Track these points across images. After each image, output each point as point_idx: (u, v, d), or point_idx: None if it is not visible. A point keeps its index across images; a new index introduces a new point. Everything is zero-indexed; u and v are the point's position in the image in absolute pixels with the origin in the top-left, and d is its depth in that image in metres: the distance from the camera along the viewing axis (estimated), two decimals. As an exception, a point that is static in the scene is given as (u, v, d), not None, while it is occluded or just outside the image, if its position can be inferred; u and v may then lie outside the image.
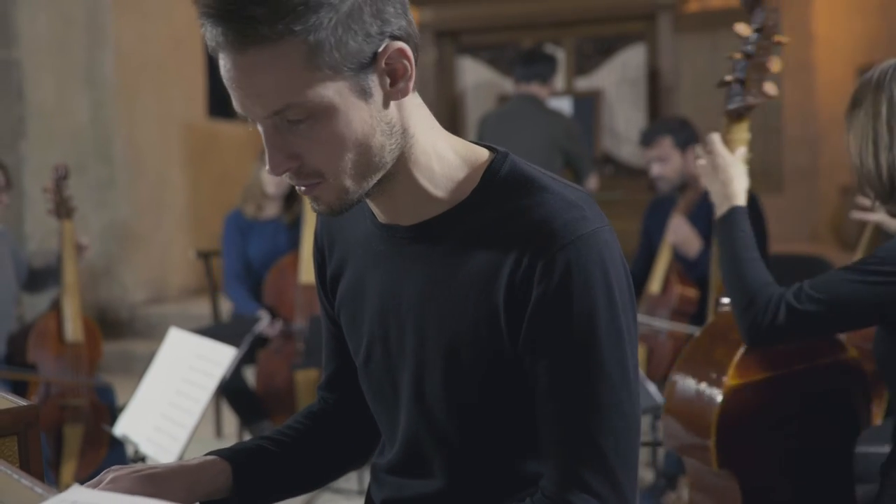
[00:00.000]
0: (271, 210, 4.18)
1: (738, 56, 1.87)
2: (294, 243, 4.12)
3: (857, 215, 2.28)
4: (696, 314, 3.51)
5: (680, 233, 3.49)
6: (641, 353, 3.60)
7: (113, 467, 1.17)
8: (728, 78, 1.88)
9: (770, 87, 1.85)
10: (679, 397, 1.87)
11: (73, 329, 3.31)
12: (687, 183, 3.63)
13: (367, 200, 1.18)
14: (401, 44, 1.05)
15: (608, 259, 1.10)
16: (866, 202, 2.11)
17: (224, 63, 1.03)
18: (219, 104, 7.28)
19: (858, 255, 2.10)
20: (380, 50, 1.04)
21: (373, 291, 1.23)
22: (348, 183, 1.08)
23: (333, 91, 1.02)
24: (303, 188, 1.10)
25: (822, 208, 7.42)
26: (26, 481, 0.83)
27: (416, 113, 1.13)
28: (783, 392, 1.81)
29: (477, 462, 1.20)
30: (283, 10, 0.97)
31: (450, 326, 1.15)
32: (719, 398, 1.75)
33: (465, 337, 1.14)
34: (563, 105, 5.49)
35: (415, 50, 1.08)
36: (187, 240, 6.49)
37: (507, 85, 5.96)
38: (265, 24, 0.97)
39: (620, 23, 5.88)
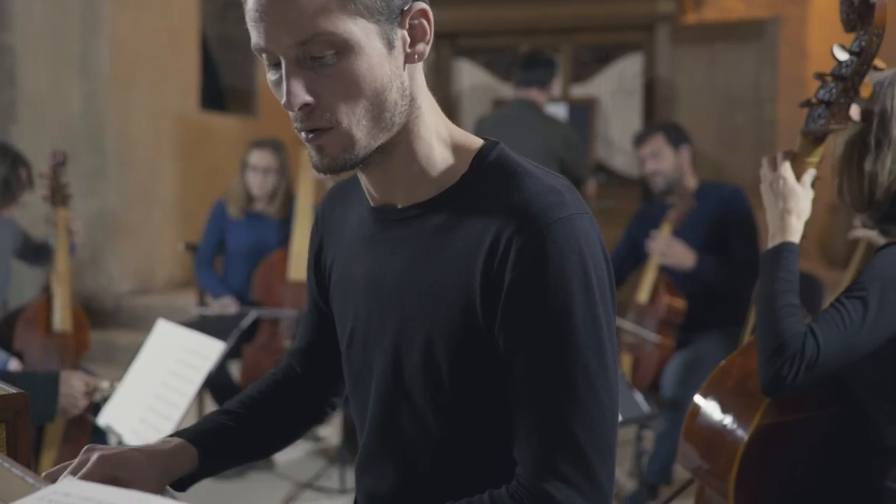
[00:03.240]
0: (258, 206, 4.17)
1: (829, 79, 1.73)
2: (283, 239, 4.10)
3: (855, 233, 2.28)
4: (684, 325, 3.52)
5: (671, 253, 3.48)
6: (627, 362, 3.60)
7: (97, 446, 1.18)
8: (814, 99, 1.75)
9: (855, 111, 1.70)
10: (702, 423, 1.75)
11: (61, 318, 3.27)
12: (676, 191, 3.63)
13: (364, 177, 1.20)
14: (424, 4, 1.10)
15: (585, 245, 1.09)
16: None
17: None
18: (212, 98, 7.25)
19: (850, 273, 2.09)
20: (406, 7, 1.08)
21: (360, 276, 1.25)
22: (358, 134, 1.09)
23: (362, 30, 1.05)
24: (311, 135, 1.10)
25: (809, 225, 7.44)
26: (17, 471, 0.81)
27: (424, 89, 1.16)
28: (812, 433, 1.71)
29: (455, 444, 1.19)
30: None
31: (429, 309, 1.15)
32: (747, 435, 1.64)
33: (443, 320, 1.14)
34: (559, 111, 5.48)
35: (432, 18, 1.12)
36: (176, 232, 6.46)
37: (504, 89, 5.96)
38: None
39: (619, 32, 5.88)
